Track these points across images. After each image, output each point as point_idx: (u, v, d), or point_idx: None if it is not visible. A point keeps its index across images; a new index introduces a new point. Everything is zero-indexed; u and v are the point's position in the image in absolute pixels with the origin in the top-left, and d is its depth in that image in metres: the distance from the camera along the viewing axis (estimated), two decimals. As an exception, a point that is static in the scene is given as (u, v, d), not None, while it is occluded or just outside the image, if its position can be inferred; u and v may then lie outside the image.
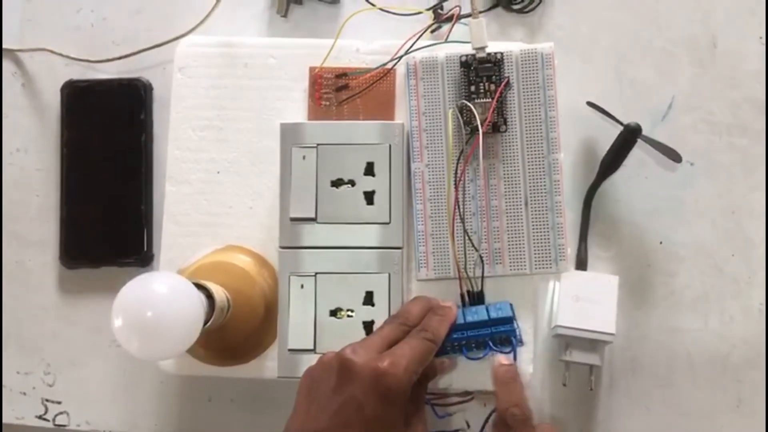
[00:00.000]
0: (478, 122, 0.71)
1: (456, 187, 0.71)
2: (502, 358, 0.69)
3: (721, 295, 0.80)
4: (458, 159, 0.72)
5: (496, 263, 0.72)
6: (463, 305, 0.72)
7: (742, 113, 0.81)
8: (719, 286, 0.80)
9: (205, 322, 0.66)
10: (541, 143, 0.72)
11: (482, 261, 0.72)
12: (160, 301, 0.61)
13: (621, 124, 0.77)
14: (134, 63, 0.83)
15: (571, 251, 0.74)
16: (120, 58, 0.82)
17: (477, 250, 0.72)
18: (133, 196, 0.81)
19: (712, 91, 0.82)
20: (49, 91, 0.85)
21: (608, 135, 0.79)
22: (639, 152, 0.80)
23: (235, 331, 0.71)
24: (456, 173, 0.72)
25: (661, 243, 0.81)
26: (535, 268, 0.72)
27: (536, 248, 0.72)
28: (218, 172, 0.76)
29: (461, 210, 0.72)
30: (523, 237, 0.72)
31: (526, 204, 0.72)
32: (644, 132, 0.76)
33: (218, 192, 0.76)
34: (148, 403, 0.82)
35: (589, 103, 0.79)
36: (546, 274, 0.74)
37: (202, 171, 0.77)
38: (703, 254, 0.81)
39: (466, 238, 0.72)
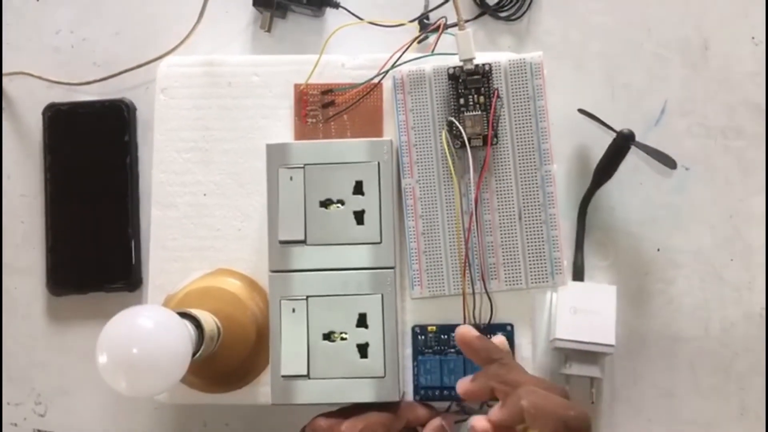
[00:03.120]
0: (465, 138, 0.70)
1: (476, 208, 0.70)
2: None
3: (722, 302, 0.79)
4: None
5: (491, 279, 0.70)
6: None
7: (737, 115, 0.80)
8: (719, 293, 0.79)
9: (195, 353, 0.64)
10: (533, 155, 0.71)
11: (491, 304, 0.71)
12: (146, 337, 0.59)
13: (613, 130, 0.76)
14: (116, 84, 0.82)
15: (567, 262, 0.72)
16: (102, 79, 0.81)
17: (487, 293, 0.71)
18: (119, 220, 0.80)
19: (705, 94, 0.81)
20: (31, 115, 0.83)
21: (601, 142, 0.78)
22: (633, 158, 0.79)
23: (227, 357, 0.70)
24: (461, 194, 0.70)
25: (658, 250, 0.80)
26: (532, 283, 0.71)
27: (532, 262, 0.71)
28: (205, 195, 0.75)
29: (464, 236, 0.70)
30: (517, 251, 0.71)
31: (519, 218, 0.71)
32: (638, 137, 0.76)
33: (205, 215, 0.75)
34: (142, 430, 0.81)
35: (581, 111, 0.78)
36: (543, 289, 0.72)
37: (189, 194, 0.75)
38: (702, 260, 0.80)
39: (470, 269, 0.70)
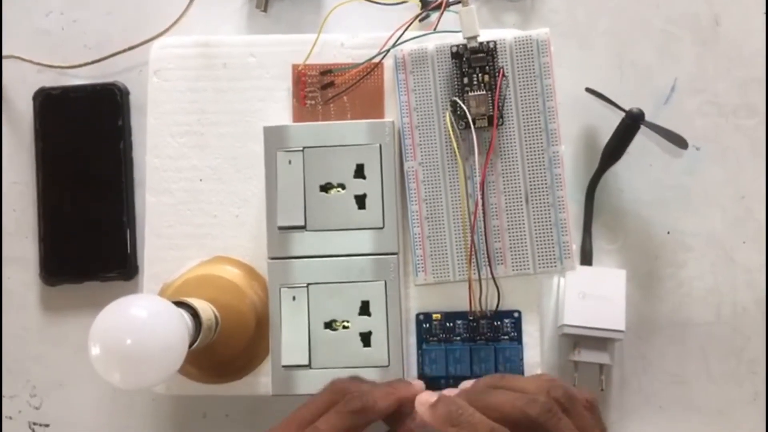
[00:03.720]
0: (469, 118, 0.67)
1: (482, 192, 0.68)
2: None
3: (734, 286, 0.77)
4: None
5: (498, 264, 0.68)
6: (471, 339, 0.69)
7: (748, 93, 0.78)
8: (731, 276, 0.77)
9: (192, 343, 0.62)
10: (540, 136, 0.69)
11: (498, 291, 0.69)
12: (140, 327, 0.57)
13: (622, 110, 0.74)
14: (109, 67, 0.79)
15: (575, 246, 0.70)
16: (93, 62, 0.78)
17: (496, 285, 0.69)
18: (113, 207, 0.78)
19: (716, 72, 0.79)
20: (21, 100, 0.80)
21: (610, 122, 0.76)
22: (642, 139, 0.77)
23: (225, 347, 0.68)
24: (466, 177, 0.68)
25: (668, 233, 0.78)
26: (539, 268, 0.68)
27: (539, 246, 0.68)
28: (201, 180, 0.73)
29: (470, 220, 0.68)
30: (524, 235, 0.69)
31: (526, 200, 0.69)
32: (647, 117, 0.73)
33: (202, 201, 0.72)
34: (141, 422, 0.79)
35: (588, 90, 0.76)
36: (550, 274, 0.70)
37: (184, 180, 0.73)
38: (713, 243, 0.77)
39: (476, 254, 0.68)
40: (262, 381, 0.71)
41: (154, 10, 0.80)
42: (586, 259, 0.76)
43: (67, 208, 0.78)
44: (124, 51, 0.77)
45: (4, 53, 0.80)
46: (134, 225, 0.78)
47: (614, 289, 0.73)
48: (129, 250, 0.77)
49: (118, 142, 0.78)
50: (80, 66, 0.79)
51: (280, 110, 0.73)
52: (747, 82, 0.78)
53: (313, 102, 0.72)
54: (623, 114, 0.74)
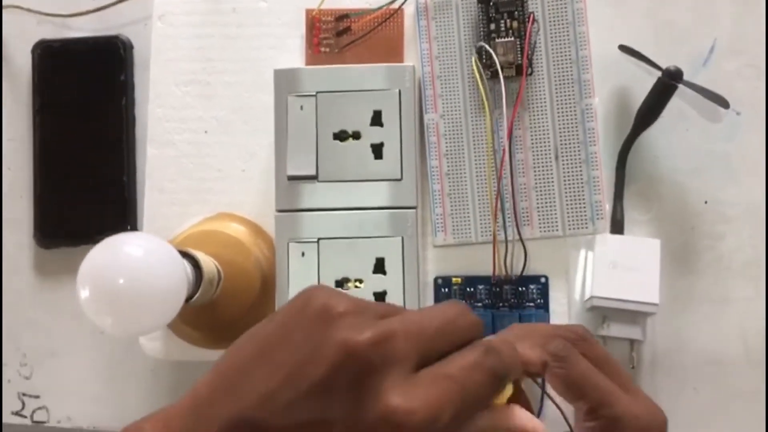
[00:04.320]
0: (498, 66, 0.62)
1: (509, 145, 0.63)
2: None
3: None
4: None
5: (524, 225, 0.63)
6: (493, 306, 0.65)
7: None
8: None
9: (192, 296, 0.57)
10: (572, 87, 0.64)
11: (525, 253, 0.63)
12: (135, 267, 0.52)
13: (659, 68, 0.70)
14: (112, 19, 0.75)
15: (609, 207, 0.65)
16: (96, 10, 0.74)
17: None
18: (114, 167, 0.73)
19: (757, 33, 0.74)
20: (21, 54, 0.76)
21: (643, 84, 0.71)
22: (678, 102, 0.72)
23: (228, 307, 0.63)
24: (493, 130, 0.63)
25: (706, 203, 0.73)
26: (569, 229, 0.64)
27: (569, 206, 0.64)
28: (206, 132, 0.69)
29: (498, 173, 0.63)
30: (554, 194, 0.64)
31: (556, 157, 0.64)
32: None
33: (206, 154, 0.69)
34: (137, 395, 0.74)
35: (622, 47, 0.72)
36: (582, 235, 0.65)
37: (188, 131, 0.69)
38: (754, 214, 0.73)
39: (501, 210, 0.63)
40: (267, 346, 0.66)
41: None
42: (618, 229, 0.71)
43: (65, 167, 0.74)
44: (128, -1, 0.73)
45: (4, 3, 0.76)
46: (135, 186, 0.74)
47: (648, 259, 0.69)
48: (129, 212, 0.73)
49: (121, 98, 0.74)
50: (82, 14, 0.74)
51: (292, 59, 0.69)
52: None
53: (327, 49, 0.68)
54: (659, 74, 0.69)
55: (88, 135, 0.74)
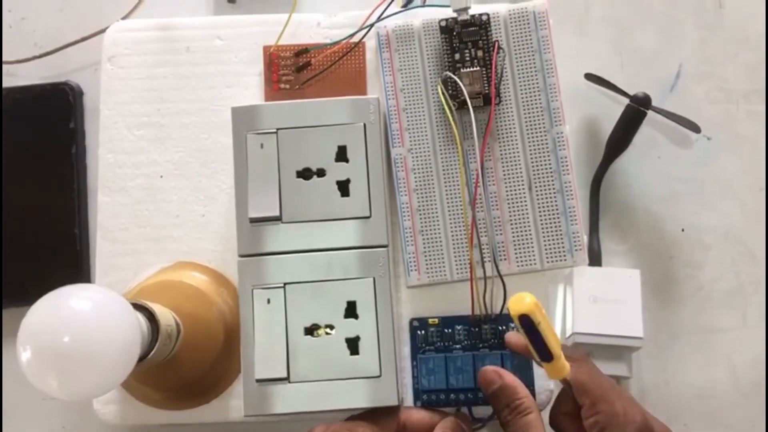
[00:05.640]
0: (466, 95, 0.60)
1: (481, 177, 0.60)
2: None
3: (759, 285, 0.70)
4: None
5: (501, 260, 0.60)
6: (473, 347, 0.61)
7: (759, 77, 0.73)
8: (755, 275, 0.71)
9: (147, 352, 0.53)
10: (542, 115, 0.62)
11: (504, 289, 0.61)
12: (82, 322, 0.47)
13: (627, 95, 0.69)
14: (61, 66, 0.73)
15: (586, 238, 0.63)
16: (42, 56, 0.71)
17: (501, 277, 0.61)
18: (64, 218, 0.69)
19: (723, 56, 0.74)
20: (-33, 103, 0.72)
21: (612, 112, 0.70)
22: (648, 129, 0.72)
23: (190, 363, 0.59)
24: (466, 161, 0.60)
25: (683, 230, 0.72)
26: (547, 263, 0.61)
27: (546, 238, 0.61)
28: (161, 177, 0.65)
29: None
30: (529, 226, 0.61)
31: (529, 188, 0.61)
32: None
33: (162, 200, 0.65)
34: None
35: (588, 75, 0.71)
36: (561, 268, 0.62)
37: (142, 176, 0.65)
38: (733, 239, 0.71)
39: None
40: (233, 404, 0.63)
41: (108, 1, 0.73)
42: (595, 260, 0.69)
43: (11, 220, 0.70)
44: (76, 42, 0.70)
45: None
46: (87, 238, 0.70)
47: (629, 291, 0.66)
48: (81, 266, 0.69)
49: (71, 146, 0.70)
50: (27, 60, 0.71)
51: (250, 97, 0.66)
52: (756, 66, 0.73)
53: (287, 86, 0.65)
54: (627, 101, 0.69)
55: (36, 186, 0.70)
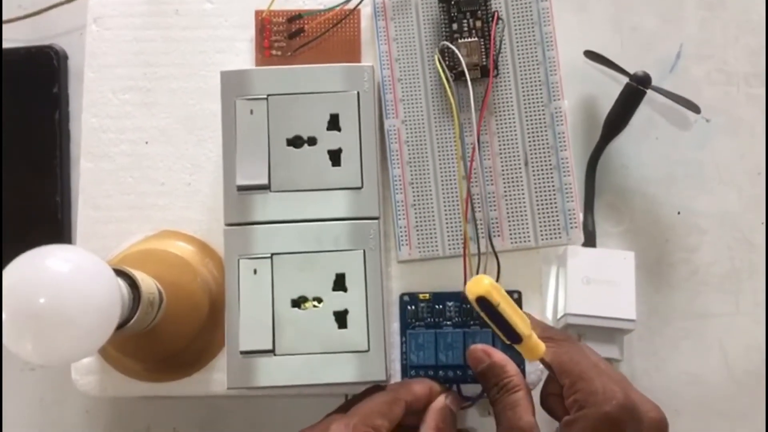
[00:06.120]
0: (464, 66, 0.58)
1: (477, 151, 0.58)
2: None
3: (754, 271, 0.69)
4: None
5: (494, 236, 0.59)
6: (464, 324, 0.60)
7: (760, 60, 0.72)
8: (750, 261, 0.70)
9: (128, 319, 0.51)
10: (540, 89, 0.60)
11: (498, 265, 0.59)
12: (59, 283, 0.45)
13: (627, 74, 0.68)
14: (46, 29, 0.71)
15: (582, 216, 0.62)
16: (26, 17, 0.69)
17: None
18: (46, 186, 0.68)
19: (725, 38, 0.73)
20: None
21: (610, 92, 0.69)
22: (647, 110, 0.71)
23: (173, 334, 0.57)
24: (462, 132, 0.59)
25: (679, 213, 0.71)
26: (542, 240, 0.59)
27: (541, 215, 0.59)
28: (146, 143, 0.63)
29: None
30: (524, 203, 0.59)
31: (525, 163, 0.60)
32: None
33: (147, 167, 0.63)
34: None
35: (588, 53, 0.70)
36: (555, 246, 0.60)
37: (127, 142, 0.63)
38: (729, 224, 0.70)
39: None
40: (216, 378, 0.61)
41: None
42: (590, 241, 0.68)
43: (-7, 189, 0.68)
44: (62, 3, 0.69)
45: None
46: (69, 207, 0.69)
47: (622, 273, 0.65)
48: (63, 236, 0.68)
49: (54, 111, 0.69)
50: (11, 21, 0.69)
51: (240, 63, 0.64)
52: (757, 49, 0.72)
53: (279, 53, 0.63)
54: (626, 80, 0.67)
55: (17, 152, 0.69)
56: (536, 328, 0.55)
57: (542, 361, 0.55)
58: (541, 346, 0.54)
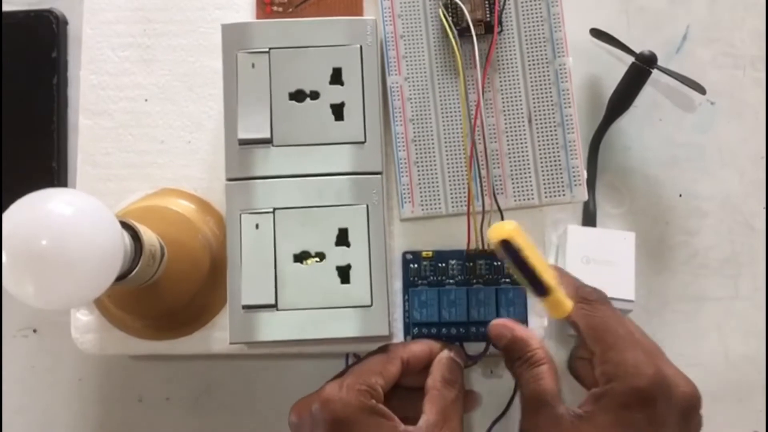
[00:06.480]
0: (469, 21, 0.58)
1: (477, 110, 0.57)
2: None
3: (754, 256, 0.69)
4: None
5: (497, 194, 0.58)
6: (467, 282, 0.59)
7: (766, 44, 0.72)
8: (750, 245, 0.70)
9: (130, 270, 0.50)
10: (545, 46, 0.60)
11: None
12: (61, 226, 0.44)
13: (632, 53, 0.68)
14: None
15: (586, 174, 0.61)
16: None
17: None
18: (42, 152, 0.67)
19: (732, 20, 0.73)
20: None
21: (615, 71, 0.69)
22: (651, 91, 0.71)
23: (173, 291, 0.56)
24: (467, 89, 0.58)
25: (680, 196, 0.70)
26: (545, 197, 0.58)
27: (545, 172, 0.59)
28: (146, 101, 0.62)
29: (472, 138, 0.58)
30: (528, 160, 0.59)
31: (529, 120, 0.59)
32: (658, 66, 0.67)
33: (147, 124, 0.62)
34: (64, 407, 0.67)
35: (594, 31, 0.69)
36: (559, 204, 0.59)
37: (126, 99, 0.62)
38: (730, 208, 0.70)
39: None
40: (216, 336, 0.60)
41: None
42: (590, 220, 0.68)
43: (-11, 150, 0.67)
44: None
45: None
46: (66, 175, 0.68)
47: (622, 253, 0.65)
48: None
49: (52, 77, 0.68)
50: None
51: (240, 19, 0.62)
52: (765, 33, 0.72)
53: (280, 9, 0.63)
54: (632, 60, 0.67)
55: (14, 117, 0.68)
56: (569, 286, 0.54)
57: (572, 323, 0.53)
58: (568, 303, 0.52)
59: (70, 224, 0.45)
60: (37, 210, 0.45)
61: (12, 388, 0.67)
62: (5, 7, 0.69)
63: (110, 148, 0.62)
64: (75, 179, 0.62)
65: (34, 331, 0.67)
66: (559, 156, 0.59)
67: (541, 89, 0.59)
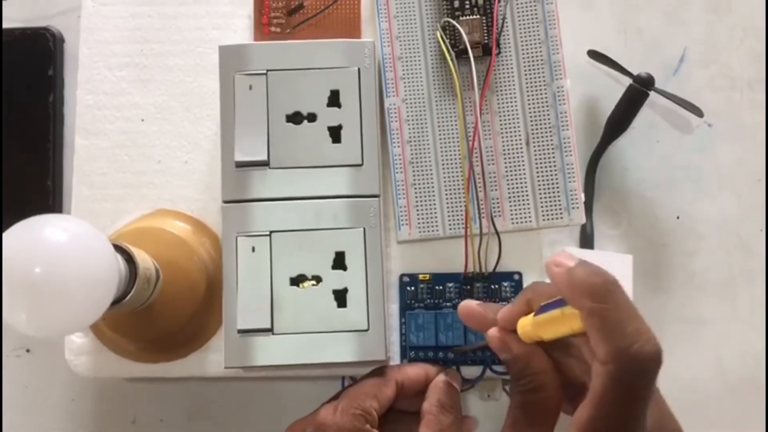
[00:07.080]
0: (467, 44, 0.57)
1: (475, 132, 0.57)
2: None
3: (751, 278, 0.69)
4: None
5: (495, 216, 0.58)
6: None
7: (764, 66, 0.72)
8: (747, 268, 0.69)
9: (125, 295, 0.50)
10: (542, 68, 0.59)
11: (500, 245, 0.58)
12: (55, 253, 0.44)
13: (630, 75, 0.68)
14: (43, 9, 0.70)
15: (584, 197, 0.61)
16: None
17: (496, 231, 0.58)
18: (38, 172, 0.67)
19: (729, 42, 0.72)
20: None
21: (613, 93, 0.69)
22: (649, 113, 0.71)
23: (169, 313, 0.56)
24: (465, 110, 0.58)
25: (678, 218, 0.70)
26: (543, 220, 0.58)
27: (543, 195, 0.58)
28: (142, 121, 0.62)
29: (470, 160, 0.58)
30: (525, 183, 0.59)
31: (527, 143, 0.59)
32: (655, 87, 0.67)
33: (143, 145, 0.61)
34: (57, 427, 0.66)
35: (591, 53, 0.69)
36: (557, 227, 0.59)
37: (123, 119, 0.62)
38: (727, 230, 0.70)
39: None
40: (212, 359, 0.59)
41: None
42: (587, 243, 0.68)
43: (-17, 170, 0.67)
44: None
45: None
46: (61, 194, 0.67)
47: (620, 275, 0.61)
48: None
49: (48, 95, 0.68)
50: (6, -1, 0.68)
51: (238, 40, 0.63)
52: (762, 55, 0.72)
53: (278, 29, 0.62)
54: (629, 81, 0.67)
55: (9, 135, 0.68)
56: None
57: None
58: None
59: (64, 251, 0.45)
60: (32, 236, 0.45)
61: (5, 408, 0.66)
62: (3, 24, 0.69)
63: (106, 168, 0.61)
64: (70, 198, 0.61)
65: (28, 351, 0.67)
66: (556, 179, 0.58)
67: (539, 111, 0.59)
